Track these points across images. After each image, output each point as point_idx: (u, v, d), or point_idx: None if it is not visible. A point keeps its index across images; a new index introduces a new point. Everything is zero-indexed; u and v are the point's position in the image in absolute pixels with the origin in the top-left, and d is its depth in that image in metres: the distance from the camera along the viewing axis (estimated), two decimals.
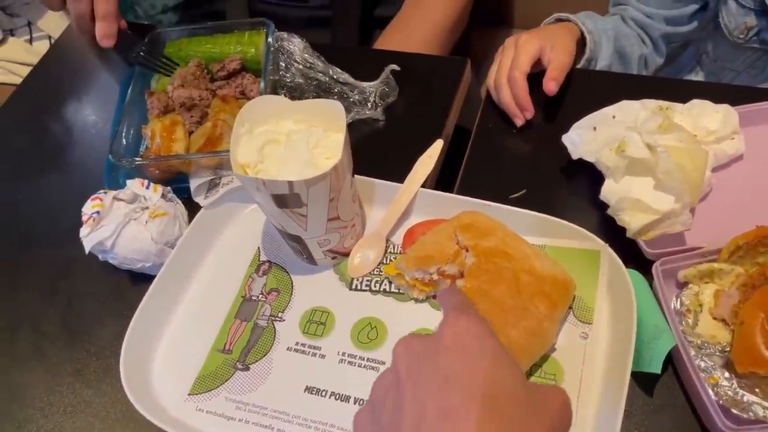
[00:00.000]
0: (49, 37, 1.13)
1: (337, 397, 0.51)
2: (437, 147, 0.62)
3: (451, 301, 0.36)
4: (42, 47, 1.12)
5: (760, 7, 0.75)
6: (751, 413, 0.46)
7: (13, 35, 1.11)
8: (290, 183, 0.47)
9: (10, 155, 0.77)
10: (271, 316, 0.57)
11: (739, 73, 0.82)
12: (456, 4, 0.89)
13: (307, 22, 0.99)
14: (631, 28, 0.83)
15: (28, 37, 1.12)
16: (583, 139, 0.58)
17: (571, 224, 0.54)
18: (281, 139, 0.52)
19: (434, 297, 0.56)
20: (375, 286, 0.57)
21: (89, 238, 0.59)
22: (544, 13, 0.95)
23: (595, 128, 0.57)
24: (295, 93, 0.72)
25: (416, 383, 0.32)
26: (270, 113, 0.54)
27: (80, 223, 0.59)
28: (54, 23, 1.12)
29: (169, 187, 0.62)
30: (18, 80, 1.09)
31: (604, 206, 0.56)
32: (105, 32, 0.67)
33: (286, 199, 0.49)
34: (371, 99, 0.72)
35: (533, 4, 1.14)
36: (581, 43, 0.75)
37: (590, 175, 0.59)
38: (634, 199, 0.53)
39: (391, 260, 0.58)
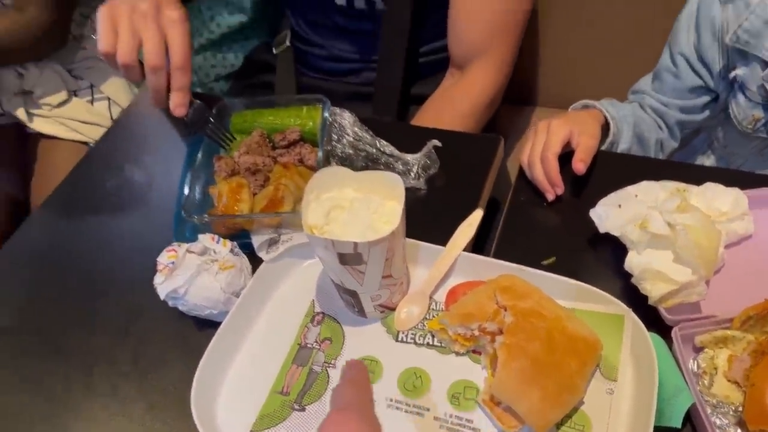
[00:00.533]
0: (109, 99, 1.23)
1: None
2: (477, 216, 0.69)
3: (348, 374, 0.41)
4: (102, 108, 1.22)
5: (766, 101, 0.83)
6: None
7: (76, 95, 1.21)
8: (355, 244, 0.55)
9: (88, 209, 0.85)
10: (324, 362, 0.63)
11: (747, 159, 0.90)
12: (494, 82, 0.97)
13: (350, 96, 1.08)
14: (649, 115, 0.92)
15: (89, 98, 1.22)
16: (609, 214, 0.65)
17: (598, 290, 0.61)
18: (345, 205, 0.60)
19: (474, 351, 0.62)
20: (419, 339, 0.63)
21: (164, 285, 0.65)
22: (567, 93, 1.05)
23: (620, 205, 0.65)
24: (346, 162, 0.80)
25: None
26: (334, 182, 0.61)
27: (149, 272, 0.66)
28: (114, 87, 1.23)
29: (235, 242, 0.69)
30: (80, 137, 1.19)
31: (627, 275, 0.62)
32: (179, 102, 0.75)
33: (349, 257, 0.56)
34: (414, 170, 0.79)
35: (557, 84, 1.23)
36: (605, 128, 0.83)
37: (615, 247, 0.65)
38: (656, 270, 0.60)
39: (433, 316, 0.65)
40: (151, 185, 0.87)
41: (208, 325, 0.67)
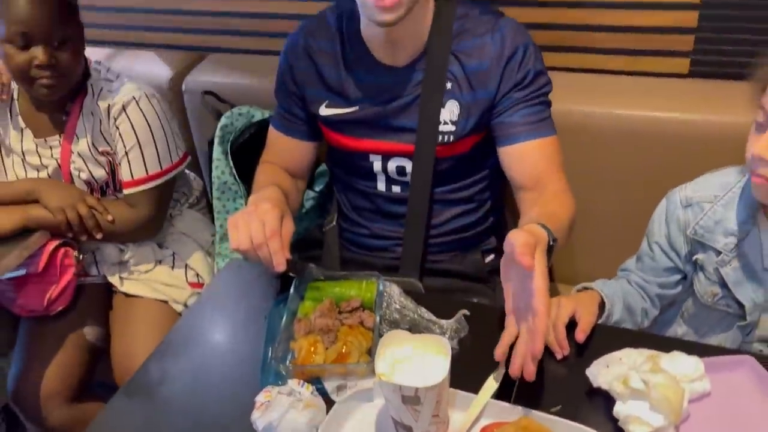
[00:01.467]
0: (186, 265, 1.48)
1: None
2: (501, 372, 0.90)
3: None
4: (179, 272, 1.47)
5: (720, 281, 1.07)
6: None
7: (160, 263, 1.47)
8: (416, 388, 0.76)
9: (188, 360, 1.06)
10: None
11: (711, 327, 1.12)
12: (567, 196, 1.14)
13: (386, 268, 1.33)
14: (634, 288, 1.16)
15: (171, 264, 1.47)
16: (600, 372, 0.86)
17: (593, 430, 0.81)
18: (405, 359, 0.82)
19: None
20: None
21: (260, 420, 0.85)
22: (578, 270, 1.30)
23: (608, 366, 0.86)
24: (393, 325, 1.02)
25: None
26: (398, 342, 0.83)
27: (242, 411, 0.86)
28: (191, 255, 1.49)
29: (313, 386, 0.90)
30: (161, 296, 1.43)
31: (616, 420, 0.82)
32: (278, 262, 1.00)
33: (410, 399, 0.77)
34: (447, 333, 1.01)
35: (570, 265, 1.49)
36: (601, 304, 1.07)
37: (605, 398, 0.86)
38: (636, 416, 0.80)
39: None
40: (237, 345, 1.08)
41: None
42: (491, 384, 0.89)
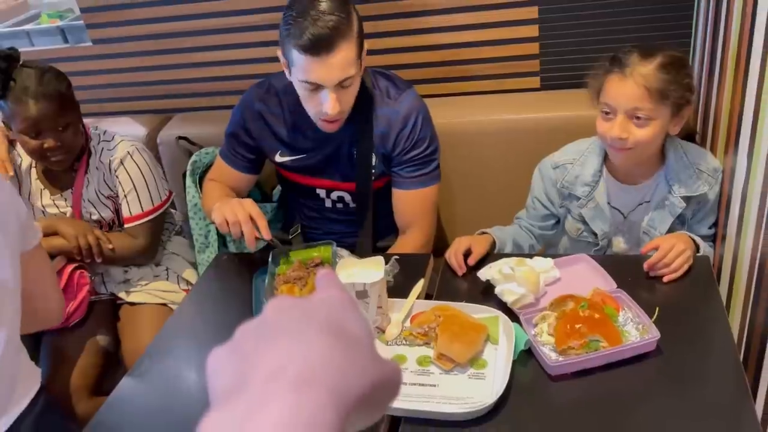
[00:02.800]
0: (178, 276, 1.85)
1: None
2: (420, 283, 1.32)
3: (326, 282, 0.44)
4: (173, 280, 1.83)
5: (581, 219, 1.52)
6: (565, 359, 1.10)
7: (158, 277, 1.83)
8: (364, 284, 1.17)
9: (189, 337, 1.42)
10: None
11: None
12: (421, 242, 1.62)
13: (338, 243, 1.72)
14: (524, 230, 1.60)
15: (166, 277, 1.84)
16: (485, 271, 1.29)
17: (486, 306, 1.23)
18: (355, 273, 1.22)
19: (426, 344, 1.21)
20: (399, 342, 1.22)
21: None
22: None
23: (490, 267, 1.30)
24: None
25: (279, 318, 0.38)
26: (349, 264, 1.24)
27: None
28: (181, 268, 1.86)
29: None
30: (160, 301, 1.78)
31: (499, 300, 1.25)
32: (250, 240, 1.37)
33: (361, 293, 1.18)
34: (387, 272, 1.43)
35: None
36: (494, 243, 1.50)
37: (492, 288, 1.29)
38: (508, 289, 1.23)
39: (404, 329, 1.24)
40: (220, 321, 1.46)
41: None
42: (415, 291, 1.31)
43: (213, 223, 1.45)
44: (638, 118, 1.32)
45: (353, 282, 1.17)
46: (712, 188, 1.40)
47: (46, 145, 1.59)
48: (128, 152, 1.72)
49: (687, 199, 1.41)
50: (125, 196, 1.73)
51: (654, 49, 1.34)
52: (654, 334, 1.11)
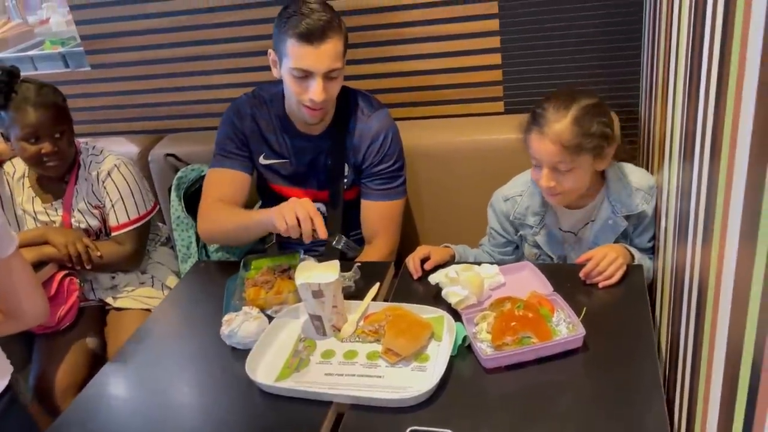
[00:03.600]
0: (162, 284, 1.97)
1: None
2: (376, 287, 1.43)
3: None
4: (158, 287, 1.95)
5: (536, 245, 1.63)
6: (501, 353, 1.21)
7: (143, 285, 1.95)
8: (320, 284, 1.28)
9: (168, 330, 1.54)
10: (306, 355, 1.31)
11: None
12: (385, 252, 1.75)
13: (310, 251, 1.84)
14: (486, 254, 1.71)
15: (151, 283, 1.96)
16: (435, 276, 1.41)
17: (433, 308, 1.34)
18: (314, 276, 1.34)
19: (376, 341, 1.31)
20: (352, 340, 1.33)
21: (226, 329, 1.35)
22: None
23: (440, 271, 1.41)
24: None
25: None
26: (308, 267, 1.36)
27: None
28: (165, 276, 1.98)
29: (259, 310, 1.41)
30: (144, 306, 1.90)
31: (444, 301, 1.36)
32: (323, 232, 1.44)
33: (317, 293, 1.29)
34: (348, 278, 1.54)
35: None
36: (454, 256, 1.61)
37: (440, 290, 1.40)
38: (452, 292, 1.34)
39: (356, 328, 1.35)
40: (208, 310, 1.58)
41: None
42: (371, 293, 1.42)
43: (278, 231, 1.49)
44: (559, 169, 1.43)
45: (309, 282, 1.29)
46: (648, 204, 1.51)
47: (43, 150, 1.73)
48: (115, 165, 1.86)
49: (628, 217, 1.52)
50: (112, 205, 1.86)
51: (570, 99, 1.43)
52: (581, 331, 1.22)
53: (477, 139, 2.01)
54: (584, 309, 1.28)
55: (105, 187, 1.86)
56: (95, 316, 1.93)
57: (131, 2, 2.19)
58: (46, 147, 1.73)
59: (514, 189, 1.65)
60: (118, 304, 1.91)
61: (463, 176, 2.02)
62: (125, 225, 1.88)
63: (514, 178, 1.69)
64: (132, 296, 1.92)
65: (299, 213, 1.45)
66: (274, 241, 1.94)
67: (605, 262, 1.38)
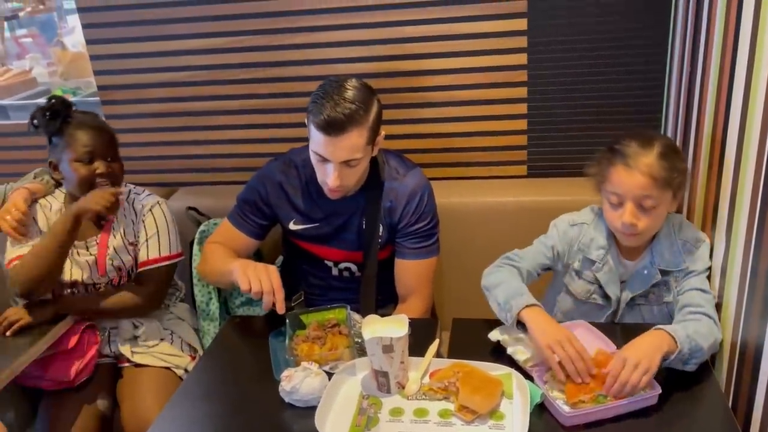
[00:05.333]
0: (182, 339, 1.88)
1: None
2: (436, 343, 1.41)
3: None
4: (177, 345, 1.86)
5: (595, 281, 1.58)
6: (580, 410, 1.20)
7: (163, 340, 1.86)
8: (391, 338, 1.26)
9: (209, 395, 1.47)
10: (373, 412, 1.27)
11: (581, 316, 1.63)
12: (421, 309, 1.73)
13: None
14: (523, 274, 1.55)
15: (171, 340, 1.86)
16: (495, 334, 1.40)
17: (500, 365, 1.33)
18: (381, 330, 1.31)
19: (445, 398, 1.29)
20: (418, 398, 1.30)
21: (287, 386, 1.29)
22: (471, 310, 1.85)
23: (499, 329, 1.41)
24: (357, 335, 1.50)
25: None
26: (372, 322, 1.33)
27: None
28: (186, 333, 1.90)
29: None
30: (164, 364, 1.81)
31: (510, 358, 1.35)
32: (281, 308, 1.45)
33: (387, 347, 1.26)
34: None
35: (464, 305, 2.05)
36: None
37: (501, 349, 1.39)
38: (520, 350, 1.34)
39: (422, 385, 1.32)
40: (259, 363, 1.51)
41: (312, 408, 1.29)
42: (431, 349, 1.40)
43: (236, 283, 1.51)
44: (644, 205, 1.41)
45: (380, 336, 1.26)
46: (692, 261, 1.48)
47: (97, 171, 1.71)
48: (157, 202, 1.86)
49: (664, 272, 1.51)
50: (147, 239, 1.82)
51: (649, 137, 1.45)
52: (656, 389, 1.23)
53: (499, 200, 2.05)
54: None
55: (144, 221, 1.82)
56: (108, 375, 1.82)
57: (151, 55, 2.19)
58: (100, 167, 1.72)
59: (581, 217, 1.60)
60: (136, 359, 1.81)
61: (484, 236, 2.04)
62: (154, 261, 1.82)
63: (580, 211, 1.63)
64: (151, 352, 1.82)
65: (264, 285, 1.47)
66: (302, 299, 1.89)
67: (625, 373, 1.23)
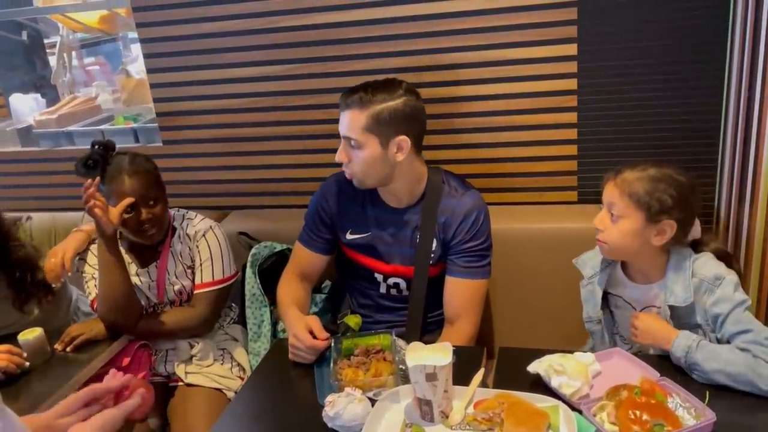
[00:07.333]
0: (232, 359, 1.91)
1: None
2: (481, 372, 1.40)
3: None
4: (228, 366, 1.90)
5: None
6: None
7: (216, 360, 1.90)
8: (435, 366, 1.25)
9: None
10: None
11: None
12: (469, 333, 1.73)
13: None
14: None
15: (222, 360, 1.90)
16: (534, 366, 1.38)
17: (546, 396, 1.30)
18: (425, 357, 1.31)
19: (489, 429, 1.27)
20: (463, 428, 1.28)
21: (331, 411, 1.30)
22: (519, 336, 1.82)
23: (539, 361, 1.38)
24: (401, 361, 1.50)
25: None
26: (417, 348, 1.33)
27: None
28: (240, 355, 1.93)
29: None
30: (216, 385, 1.84)
31: (551, 390, 1.32)
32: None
33: (431, 375, 1.25)
34: None
35: (516, 332, 2.01)
36: None
37: (540, 381, 1.36)
38: (567, 383, 1.31)
39: (467, 414, 1.30)
40: (303, 385, 1.52)
41: None
42: (476, 378, 1.38)
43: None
44: (612, 212, 1.48)
45: (424, 364, 1.26)
46: (708, 294, 1.44)
47: (142, 217, 1.76)
48: (210, 226, 1.91)
49: (672, 308, 1.47)
50: (201, 264, 1.87)
51: (657, 165, 1.47)
52: (709, 416, 1.19)
53: (548, 227, 2.02)
54: (707, 393, 1.25)
55: (198, 246, 1.88)
56: (159, 395, 1.86)
57: (206, 83, 2.26)
58: (143, 214, 1.76)
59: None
60: (189, 379, 1.85)
61: (533, 264, 2.01)
62: (207, 285, 1.87)
63: None
64: (204, 373, 1.86)
65: (298, 345, 1.57)
66: (349, 313, 1.90)
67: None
